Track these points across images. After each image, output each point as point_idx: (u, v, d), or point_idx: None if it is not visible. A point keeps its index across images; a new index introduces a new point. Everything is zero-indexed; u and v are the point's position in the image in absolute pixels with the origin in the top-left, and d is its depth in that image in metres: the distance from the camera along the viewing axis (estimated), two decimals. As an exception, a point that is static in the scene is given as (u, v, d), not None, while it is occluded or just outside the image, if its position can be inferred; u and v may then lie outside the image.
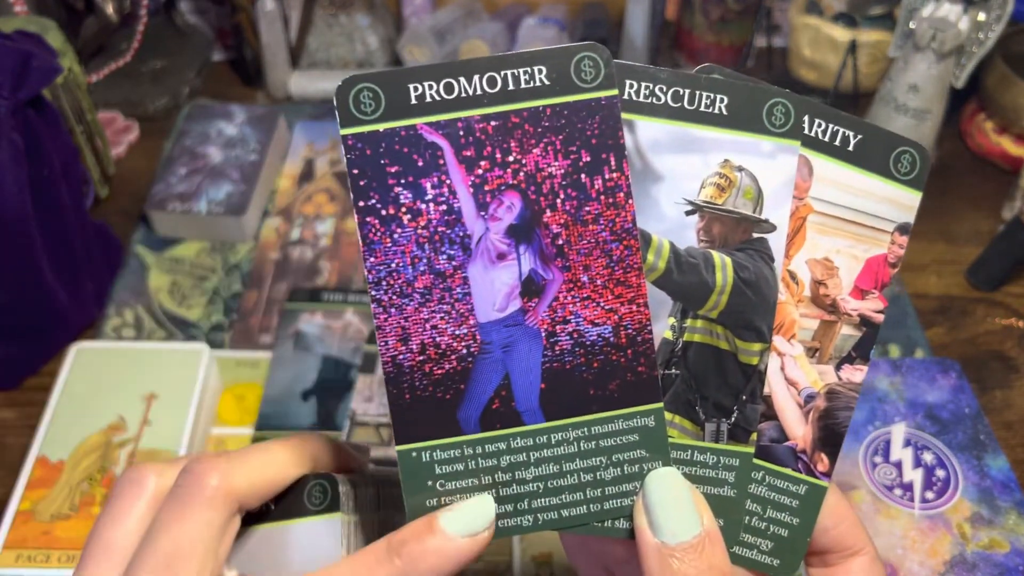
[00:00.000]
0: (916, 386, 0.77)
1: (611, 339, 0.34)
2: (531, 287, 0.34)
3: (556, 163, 0.33)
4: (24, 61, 0.72)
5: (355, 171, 0.33)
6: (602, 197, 0.34)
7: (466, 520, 0.34)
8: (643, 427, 0.35)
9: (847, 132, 0.36)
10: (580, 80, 0.33)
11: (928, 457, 0.72)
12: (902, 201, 0.37)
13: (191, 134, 0.98)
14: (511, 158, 0.33)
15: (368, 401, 0.75)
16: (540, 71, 0.33)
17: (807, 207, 0.36)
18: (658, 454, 0.35)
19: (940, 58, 0.89)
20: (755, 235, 0.36)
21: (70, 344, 0.77)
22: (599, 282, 0.34)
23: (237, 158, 0.95)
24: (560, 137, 0.33)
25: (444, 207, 0.33)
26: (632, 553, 0.34)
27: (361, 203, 0.33)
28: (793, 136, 0.35)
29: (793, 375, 0.37)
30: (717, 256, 0.35)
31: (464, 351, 0.34)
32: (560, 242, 0.34)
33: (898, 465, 0.72)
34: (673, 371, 0.35)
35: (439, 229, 0.34)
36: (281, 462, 0.37)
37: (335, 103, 0.33)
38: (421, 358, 0.34)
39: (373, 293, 0.34)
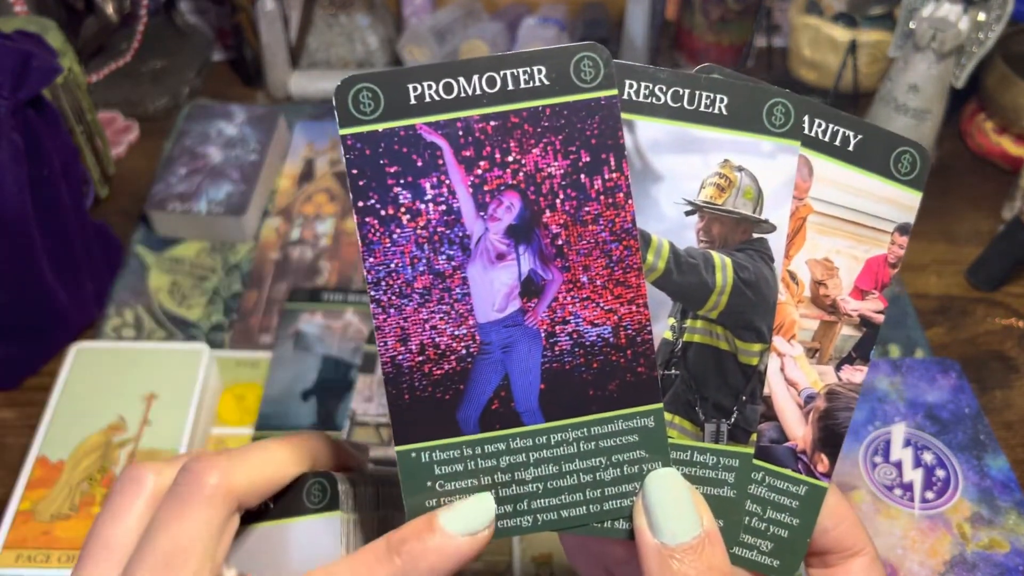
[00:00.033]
0: (916, 386, 0.77)
1: (611, 339, 0.34)
2: (530, 287, 0.34)
3: (556, 163, 0.33)
4: (24, 61, 0.72)
5: (354, 171, 0.33)
6: (602, 197, 0.34)
7: (466, 518, 0.33)
8: (643, 428, 0.35)
9: (847, 132, 0.36)
10: (580, 80, 0.33)
11: (928, 457, 0.72)
12: (902, 201, 0.37)
13: (191, 134, 0.98)
14: (510, 158, 0.33)
15: (368, 401, 0.75)
16: (540, 71, 0.33)
17: (807, 207, 0.36)
18: (658, 455, 0.35)
19: (940, 58, 0.89)
20: (755, 235, 0.36)
21: (70, 344, 0.77)
22: (599, 282, 0.34)
23: (237, 158, 0.95)
24: (560, 137, 0.33)
25: (443, 207, 0.33)
26: (632, 554, 0.34)
27: (360, 203, 0.33)
28: (793, 136, 0.35)
29: (793, 376, 0.37)
30: (717, 256, 0.35)
31: (463, 351, 0.34)
32: (560, 242, 0.34)
33: (898, 465, 0.72)
34: (673, 372, 0.35)
35: (438, 229, 0.34)
36: (280, 460, 0.37)
37: (334, 103, 0.33)
38: (420, 358, 0.34)
39: (372, 293, 0.34)
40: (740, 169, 0.35)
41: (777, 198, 0.35)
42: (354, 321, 0.82)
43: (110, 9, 1.04)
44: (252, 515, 0.37)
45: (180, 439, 0.70)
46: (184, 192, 0.91)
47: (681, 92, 0.34)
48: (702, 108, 0.35)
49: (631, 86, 0.34)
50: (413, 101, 0.33)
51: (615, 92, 0.34)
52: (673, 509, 0.34)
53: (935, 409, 0.75)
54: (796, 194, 0.36)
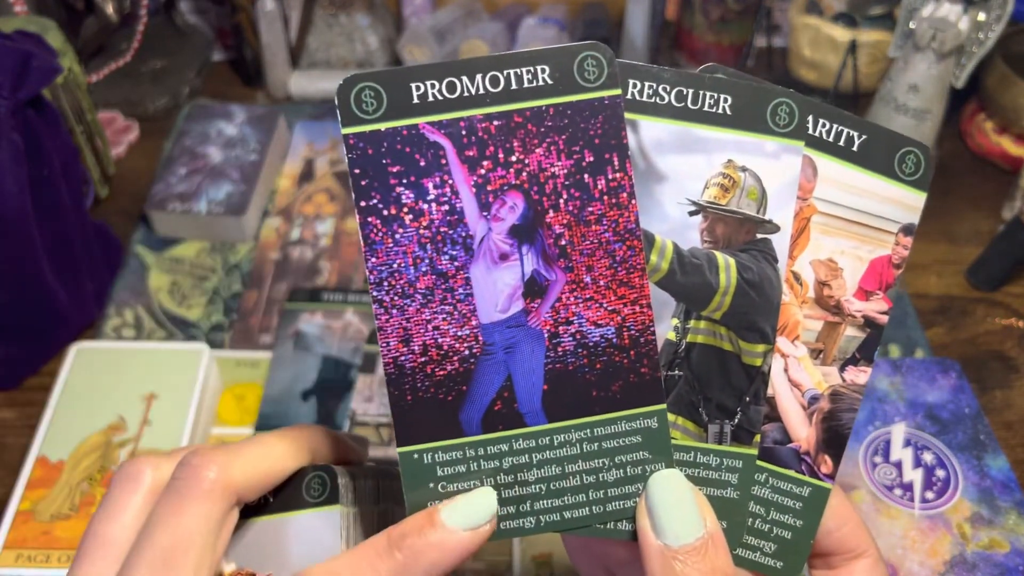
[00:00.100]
0: (916, 386, 0.77)
1: (614, 340, 0.34)
2: (534, 288, 0.34)
3: (559, 163, 0.33)
4: (24, 61, 0.72)
5: (357, 171, 0.33)
6: (605, 197, 0.34)
7: (467, 513, 0.33)
8: (646, 428, 0.35)
9: (851, 132, 0.36)
10: (583, 80, 0.33)
11: (928, 457, 0.72)
12: (906, 202, 0.37)
13: (191, 134, 0.98)
14: (514, 158, 0.33)
15: (368, 401, 0.75)
16: (543, 70, 0.33)
17: (811, 208, 0.36)
18: (661, 456, 0.35)
19: (940, 58, 0.89)
20: (759, 236, 0.35)
21: (70, 344, 0.77)
22: (602, 283, 0.34)
23: (237, 158, 0.95)
24: (563, 137, 0.33)
25: (446, 207, 0.33)
26: (635, 555, 0.34)
27: (363, 203, 0.33)
28: (797, 136, 0.35)
29: (797, 376, 0.37)
30: (721, 257, 0.35)
31: (466, 352, 0.34)
32: (563, 243, 0.34)
33: (898, 465, 0.71)
34: (676, 372, 0.35)
35: (441, 229, 0.33)
36: (279, 454, 0.36)
37: (336, 102, 0.33)
38: (423, 359, 0.34)
39: (375, 294, 0.34)
40: (744, 169, 0.35)
41: (781, 198, 0.35)
42: (354, 321, 0.81)
43: (110, 9, 1.04)
44: (251, 509, 0.37)
45: (180, 439, 0.70)
46: (184, 192, 0.91)
47: (685, 92, 0.34)
48: (706, 108, 0.34)
49: (635, 86, 0.34)
50: (416, 100, 0.33)
51: (619, 92, 0.33)
52: (676, 510, 0.33)
53: (935, 409, 0.75)
54: (800, 194, 0.36)
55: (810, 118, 0.36)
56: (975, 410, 0.75)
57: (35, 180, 0.73)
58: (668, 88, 0.34)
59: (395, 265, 0.33)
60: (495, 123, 0.33)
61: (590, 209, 0.34)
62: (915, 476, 0.71)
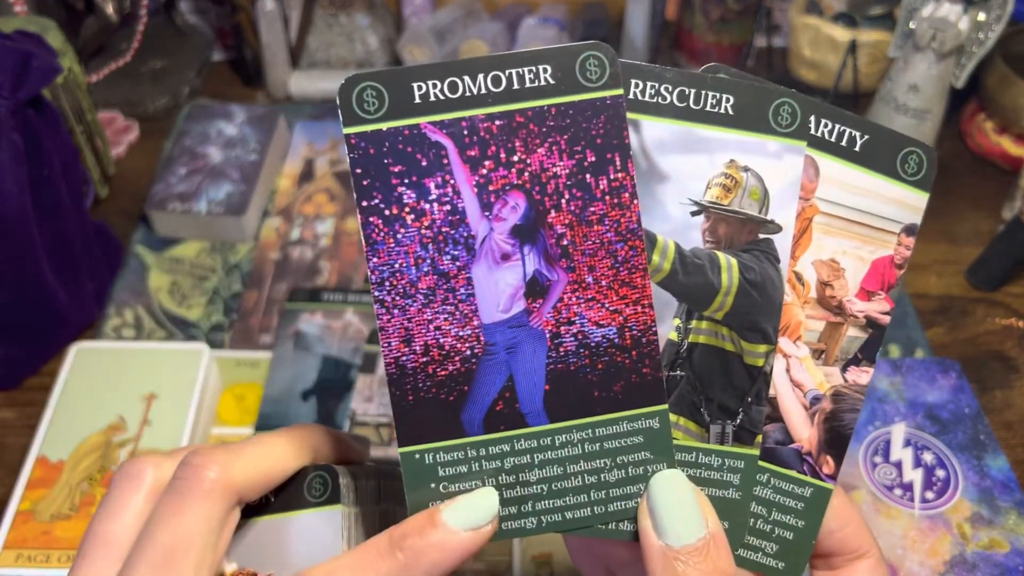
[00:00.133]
0: (916, 386, 0.77)
1: (616, 340, 0.34)
2: (535, 288, 0.34)
3: (561, 163, 0.33)
4: (24, 61, 0.72)
5: (358, 170, 0.33)
6: (607, 197, 0.34)
7: (469, 513, 0.33)
8: (648, 429, 0.34)
9: (854, 132, 0.36)
10: (585, 79, 0.33)
11: (928, 457, 0.72)
12: (909, 202, 0.37)
13: (191, 134, 0.98)
14: (516, 158, 0.33)
15: (368, 401, 0.75)
16: (545, 70, 0.33)
17: (813, 208, 0.36)
18: (663, 456, 0.35)
19: (940, 58, 0.89)
20: (761, 236, 0.35)
21: (70, 344, 0.77)
22: (604, 283, 0.34)
23: (237, 158, 0.95)
24: (565, 137, 0.33)
25: (448, 207, 0.33)
26: (636, 555, 0.34)
27: (364, 203, 0.33)
28: (799, 136, 0.35)
29: (799, 377, 0.36)
30: (723, 257, 0.35)
31: (468, 352, 0.34)
32: (565, 243, 0.34)
33: (898, 465, 0.71)
34: (678, 373, 0.35)
35: (443, 229, 0.33)
36: (280, 454, 0.36)
37: (338, 102, 0.33)
38: (424, 359, 0.34)
39: (376, 294, 0.34)
40: (746, 169, 0.35)
41: (783, 198, 0.35)
42: (354, 321, 0.81)
43: (110, 9, 1.04)
44: (253, 509, 0.37)
45: (180, 439, 0.70)
46: (184, 192, 0.91)
47: (687, 92, 0.34)
48: (708, 108, 0.34)
49: (637, 85, 0.34)
50: (418, 100, 0.33)
51: (621, 92, 0.33)
52: (678, 511, 0.33)
53: (935, 409, 0.75)
54: (802, 194, 0.36)
55: (812, 118, 0.35)
56: (975, 410, 0.75)
57: (35, 180, 0.73)
58: (670, 88, 0.34)
59: (397, 265, 0.33)
60: (497, 123, 0.33)
61: (592, 209, 0.34)
62: (915, 476, 0.71)
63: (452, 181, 0.33)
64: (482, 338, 0.34)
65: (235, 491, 0.34)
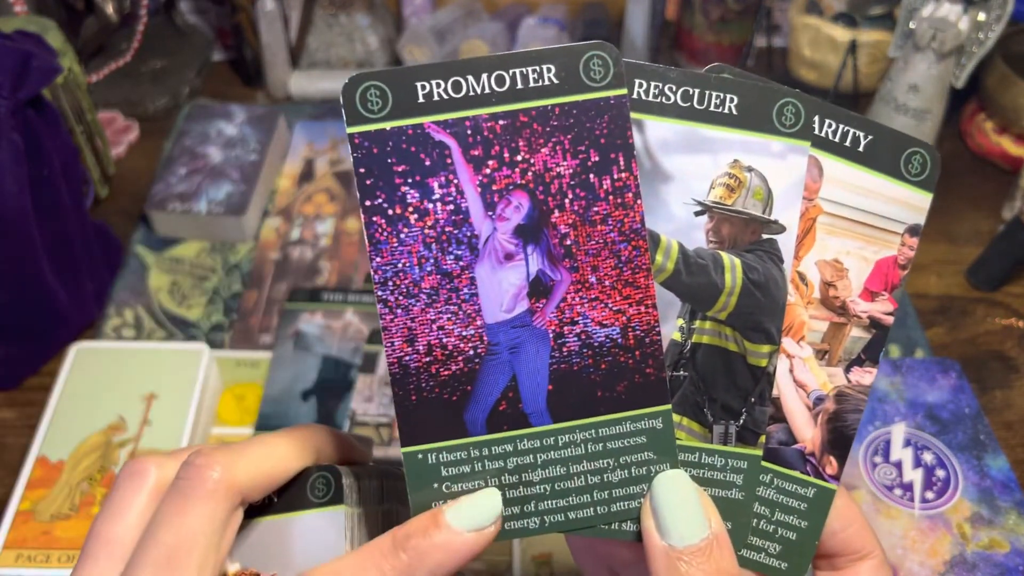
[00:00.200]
0: (916, 386, 0.77)
1: (619, 340, 0.34)
2: (539, 288, 0.34)
3: (564, 163, 0.33)
4: (24, 61, 0.72)
5: (362, 170, 0.33)
6: (611, 197, 0.34)
7: (472, 514, 0.33)
8: (651, 429, 0.34)
9: (857, 133, 0.36)
10: (589, 79, 0.33)
11: (928, 457, 0.72)
12: (912, 202, 0.37)
13: (191, 134, 0.98)
14: (519, 157, 0.33)
15: (368, 401, 0.75)
16: (549, 70, 0.33)
17: (817, 208, 0.36)
18: (666, 456, 0.35)
19: (940, 58, 0.89)
20: (764, 236, 0.35)
21: (70, 344, 0.77)
22: (607, 283, 0.34)
23: (237, 158, 0.95)
24: (569, 136, 0.33)
25: (451, 207, 0.33)
26: (639, 556, 0.34)
27: (368, 202, 0.33)
28: (803, 136, 0.35)
29: (802, 377, 0.36)
30: (726, 257, 0.35)
31: (471, 352, 0.34)
32: (568, 242, 0.34)
33: (898, 465, 0.72)
34: (681, 373, 0.35)
35: (446, 229, 0.33)
36: (283, 454, 0.36)
37: (342, 101, 0.33)
38: (428, 359, 0.34)
39: (379, 293, 0.33)
40: (750, 169, 0.35)
41: (787, 199, 0.35)
42: (354, 321, 0.81)
43: (110, 9, 1.04)
44: (256, 509, 0.37)
45: (180, 439, 0.70)
46: (184, 192, 0.91)
47: (691, 92, 0.34)
48: (712, 108, 0.34)
49: (640, 85, 0.34)
50: (421, 100, 0.33)
51: (624, 91, 0.33)
52: (681, 511, 0.33)
53: (935, 409, 0.75)
54: (806, 195, 0.36)
55: (816, 118, 0.35)
56: (975, 410, 0.75)
57: (35, 180, 0.73)
58: (674, 88, 0.34)
59: (400, 265, 0.33)
60: (500, 122, 0.33)
61: (595, 209, 0.34)
62: (915, 476, 0.71)
63: (456, 181, 0.33)
64: (485, 338, 0.34)
65: (238, 491, 0.34)
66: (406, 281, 0.33)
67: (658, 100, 0.34)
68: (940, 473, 0.71)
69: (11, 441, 0.75)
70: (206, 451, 0.34)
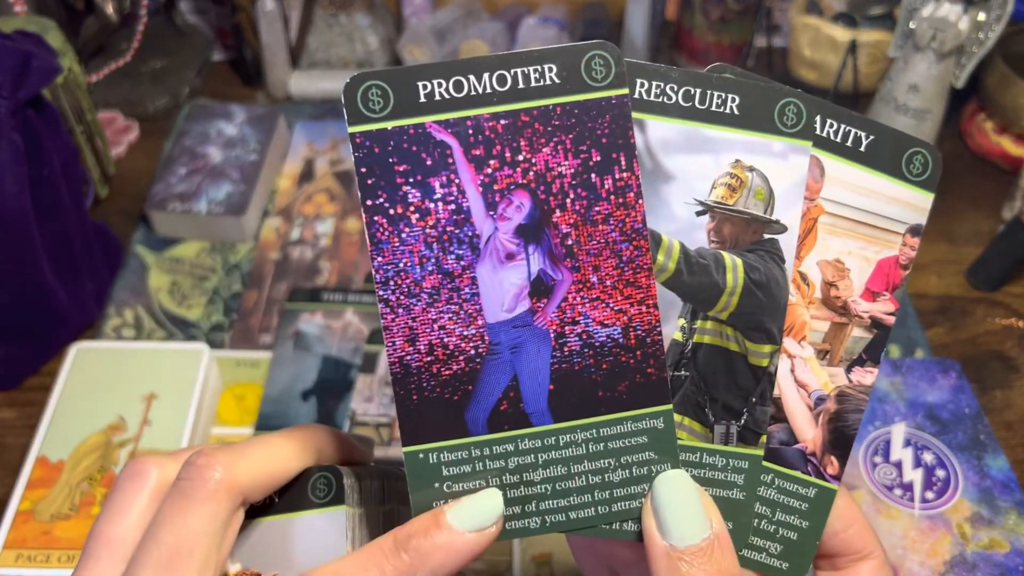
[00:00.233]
0: (916, 386, 0.77)
1: (620, 340, 0.34)
2: (540, 287, 0.34)
3: (566, 162, 0.33)
4: (24, 61, 0.72)
5: (363, 169, 0.33)
6: (612, 197, 0.33)
7: (474, 515, 0.33)
8: (652, 429, 0.34)
9: (859, 133, 0.36)
10: (591, 79, 0.33)
11: (928, 457, 0.72)
12: (914, 202, 0.37)
13: (191, 134, 0.98)
14: (521, 157, 0.33)
15: (368, 401, 0.75)
16: (550, 69, 0.33)
17: (818, 208, 0.36)
18: (667, 456, 0.35)
19: (940, 58, 0.89)
20: (766, 236, 0.35)
21: (70, 344, 0.77)
22: (608, 283, 0.34)
23: (237, 158, 0.95)
24: (570, 136, 0.33)
25: (453, 206, 0.33)
26: (640, 556, 0.34)
27: (369, 202, 0.33)
28: (805, 136, 0.35)
29: (803, 377, 0.36)
30: (728, 257, 0.35)
31: (472, 352, 0.34)
32: (569, 242, 0.34)
33: (898, 465, 0.72)
34: (682, 373, 0.35)
35: (448, 228, 0.33)
36: (285, 455, 0.36)
37: (343, 101, 0.33)
38: (429, 359, 0.34)
39: (380, 293, 0.33)
40: (751, 169, 0.35)
41: (788, 199, 0.35)
42: (354, 321, 0.81)
43: (110, 9, 1.04)
44: (257, 509, 0.37)
45: (180, 439, 0.70)
46: (184, 192, 0.91)
47: (693, 91, 0.34)
48: (714, 108, 0.34)
49: (642, 85, 0.34)
50: (423, 99, 0.33)
51: (626, 91, 0.33)
52: (682, 511, 0.33)
53: (935, 409, 0.75)
54: (807, 195, 0.36)
55: (818, 118, 0.35)
56: (975, 410, 0.76)
57: (35, 180, 0.73)
58: (676, 88, 0.34)
59: (401, 264, 0.33)
60: (502, 122, 0.33)
61: (597, 209, 0.34)
62: (915, 476, 0.71)
63: (457, 180, 0.33)
64: (486, 337, 0.34)
65: (239, 492, 0.34)
66: (407, 280, 0.33)
67: (660, 100, 0.34)
68: (940, 473, 0.71)
69: (11, 441, 0.75)
70: (207, 451, 0.34)
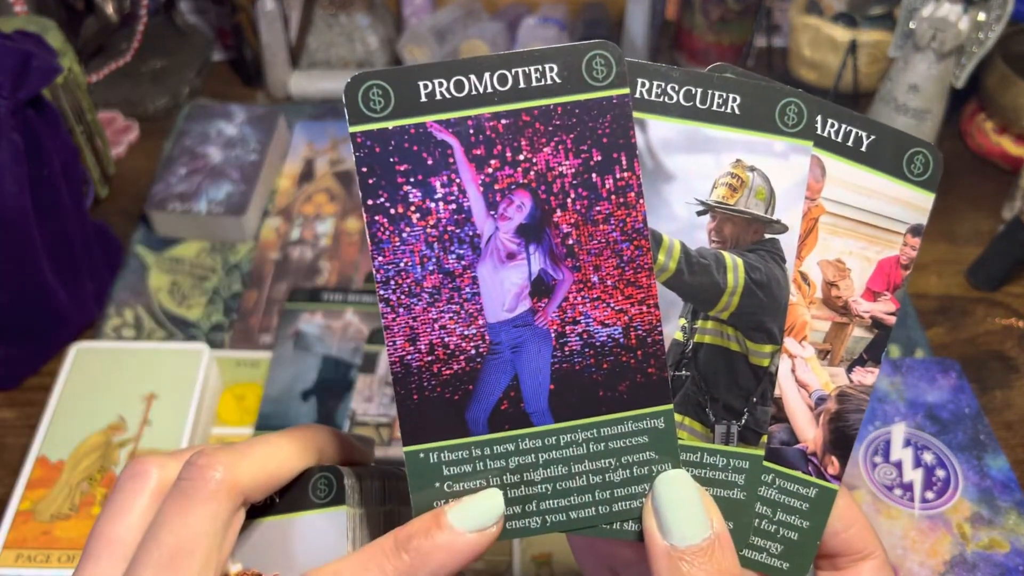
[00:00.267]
0: (916, 386, 0.77)
1: (621, 340, 0.34)
2: (541, 287, 0.34)
3: (567, 162, 0.33)
4: (24, 61, 0.72)
5: (364, 169, 0.33)
6: (613, 197, 0.33)
7: (474, 515, 0.33)
8: (653, 429, 0.34)
9: (860, 132, 0.36)
10: (592, 78, 0.33)
11: (928, 457, 0.72)
12: (914, 202, 0.37)
13: (191, 134, 0.98)
14: (521, 157, 0.33)
15: (368, 401, 0.75)
16: (551, 69, 0.33)
17: (819, 208, 0.36)
18: (668, 456, 0.35)
19: (940, 58, 0.89)
20: (767, 236, 0.35)
21: (70, 344, 0.76)
22: (609, 282, 0.34)
23: (237, 158, 0.95)
24: (571, 136, 0.33)
25: (454, 206, 0.33)
26: (640, 556, 0.34)
27: (370, 201, 0.33)
28: (806, 136, 0.35)
29: (804, 377, 0.36)
30: (728, 257, 0.35)
31: (473, 351, 0.34)
32: (570, 242, 0.34)
33: (898, 465, 0.72)
34: (683, 372, 0.35)
35: (448, 228, 0.33)
36: (285, 455, 0.36)
37: (344, 100, 0.33)
38: (429, 358, 0.34)
39: (381, 292, 0.33)
40: (752, 169, 0.35)
41: (789, 198, 0.35)
42: (354, 321, 0.81)
43: (110, 9, 1.04)
44: (257, 510, 0.37)
45: (180, 439, 0.70)
46: (184, 192, 0.91)
47: (694, 91, 0.34)
48: (714, 107, 0.34)
49: (643, 85, 0.34)
50: (424, 99, 0.33)
51: (627, 91, 0.33)
52: (683, 511, 0.33)
53: (935, 409, 0.75)
54: (808, 194, 0.36)
55: (819, 118, 0.35)
56: (975, 410, 0.76)
57: (35, 180, 0.73)
58: (677, 87, 0.34)
59: (402, 264, 0.33)
60: (503, 122, 0.33)
61: (598, 208, 0.34)
62: (915, 476, 0.71)
63: (458, 180, 0.33)
64: (487, 337, 0.34)
65: (240, 492, 0.34)
66: (408, 280, 0.33)
67: (661, 99, 0.34)
68: (940, 473, 0.71)
69: (11, 441, 0.75)
70: (208, 451, 0.34)
